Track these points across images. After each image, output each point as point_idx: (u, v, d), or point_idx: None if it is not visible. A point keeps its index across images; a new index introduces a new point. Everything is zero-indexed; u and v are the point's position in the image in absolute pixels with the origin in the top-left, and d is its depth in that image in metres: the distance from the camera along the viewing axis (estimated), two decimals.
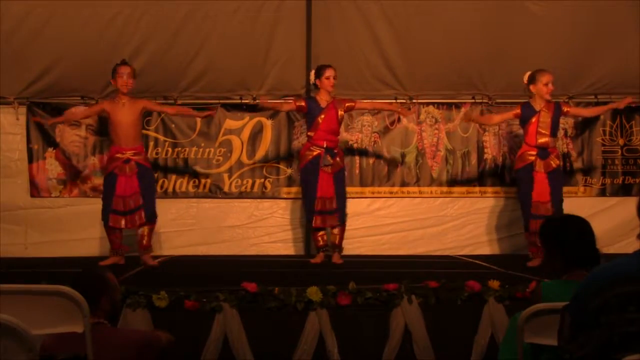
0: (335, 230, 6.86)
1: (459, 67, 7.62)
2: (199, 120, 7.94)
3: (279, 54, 7.48)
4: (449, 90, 8.00)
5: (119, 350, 3.02)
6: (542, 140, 6.59)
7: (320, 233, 6.86)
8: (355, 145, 8.11)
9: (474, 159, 8.14)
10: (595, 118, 8.03)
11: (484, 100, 8.07)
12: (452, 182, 8.14)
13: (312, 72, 6.80)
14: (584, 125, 8.13)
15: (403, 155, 8.14)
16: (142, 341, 3.17)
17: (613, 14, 7.04)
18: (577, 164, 8.13)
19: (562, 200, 6.71)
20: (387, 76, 7.80)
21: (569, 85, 7.87)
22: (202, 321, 4.95)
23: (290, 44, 7.41)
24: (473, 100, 8.09)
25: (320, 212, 6.73)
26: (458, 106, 8.14)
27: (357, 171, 8.10)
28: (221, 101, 8.05)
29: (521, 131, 7.24)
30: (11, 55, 7.18)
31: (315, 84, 6.80)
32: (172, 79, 7.72)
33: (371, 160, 8.10)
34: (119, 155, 6.53)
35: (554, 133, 6.71)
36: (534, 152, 6.61)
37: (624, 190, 8.14)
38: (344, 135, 8.09)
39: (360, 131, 8.11)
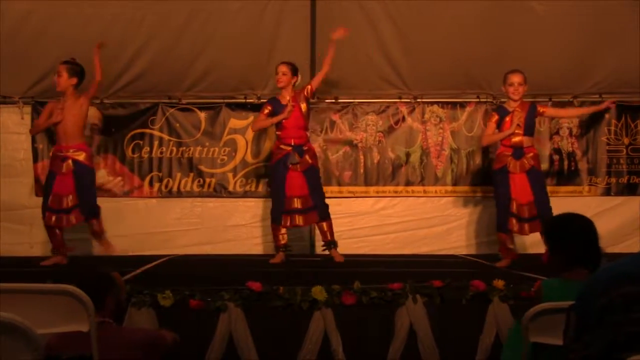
0: (325, 227, 6.74)
1: (463, 67, 7.62)
2: (203, 119, 7.96)
3: (282, 53, 7.46)
4: (453, 89, 8.01)
5: (124, 350, 3.02)
6: (515, 139, 6.47)
7: (282, 232, 6.71)
8: (359, 145, 8.12)
9: (478, 158, 8.14)
10: (600, 117, 8.03)
11: (489, 100, 8.07)
12: (457, 181, 8.13)
13: None
14: (589, 125, 8.13)
15: (408, 155, 8.14)
16: (148, 340, 3.18)
17: (616, 13, 7.02)
18: (582, 163, 8.13)
19: (548, 201, 6.51)
20: (391, 75, 7.81)
21: (573, 85, 7.87)
22: (207, 320, 4.94)
23: (294, 43, 7.41)
24: (477, 100, 8.09)
25: (289, 211, 6.63)
26: (462, 105, 8.15)
27: (362, 170, 8.11)
28: (225, 100, 8.08)
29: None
30: (15, 55, 7.20)
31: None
32: (176, 78, 7.74)
33: (376, 160, 8.10)
34: (57, 153, 6.50)
35: (528, 132, 6.54)
36: (508, 153, 6.51)
37: (629, 190, 8.13)
38: (347, 134, 8.11)
39: (364, 130, 8.12)
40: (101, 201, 7.07)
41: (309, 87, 6.72)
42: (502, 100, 7.90)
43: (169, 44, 7.32)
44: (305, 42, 7.41)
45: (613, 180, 8.15)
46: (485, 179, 8.08)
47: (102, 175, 7.98)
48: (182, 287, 5.04)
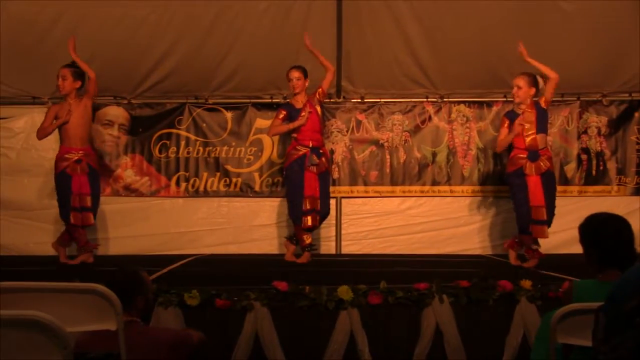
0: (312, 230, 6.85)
1: (490, 66, 7.58)
2: (229, 119, 8.00)
3: (309, 54, 7.47)
4: (480, 88, 7.97)
5: (151, 349, 3.04)
6: (529, 139, 6.44)
7: (307, 233, 6.76)
8: (386, 144, 8.10)
9: (505, 158, 8.08)
10: (630, 116, 7.94)
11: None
12: (484, 181, 8.09)
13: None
14: (618, 124, 8.05)
15: (434, 154, 8.11)
16: (174, 340, 3.19)
17: None
18: (611, 163, 8.05)
19: (554, 206, 6.51)
20: (417, 75, 7.78)
21: (602, 83, 7.81)
22: (233, 320, 4.96)
23: (320, 43, 7.39)
24: (504, 99, 8.03)
25: (311, 211, 6.65)
26: (489, 105, 8.10)
27: (388, 170, 8.10)
28: (252, 100, 8.10)
29: (553, 130, 7.18)
30: (45, 56, 7.26)
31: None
32: (203, 78, 7.77)
33: (402, 159, 8.08)
34: (69, 155, 6.55)
35: (540, 129, 6.49)
36: (524, 155, 6.46)
37: None
38: (373, 134, 8.10)
39: (390, 130, 8.10)
40: (128, 201, 7.17)
41: (321, 90, 6.78)
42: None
43: (196, 45, 7.35)
44: (332, 41, 7.40)
45: None
46: None
47: (129, 175, 8.04)
48: (209, 286, 5.06)
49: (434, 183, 8.12)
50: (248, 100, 8.11)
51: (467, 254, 7.79)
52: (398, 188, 8.10)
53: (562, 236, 7.61)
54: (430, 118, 8.13)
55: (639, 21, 6.99)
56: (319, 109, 6.77)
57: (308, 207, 6.63)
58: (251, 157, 8.12)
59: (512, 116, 6.54)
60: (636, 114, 8.03)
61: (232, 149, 8.13)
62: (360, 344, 4.98)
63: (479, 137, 8.12)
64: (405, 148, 8.13)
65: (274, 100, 8.10)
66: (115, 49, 7.19)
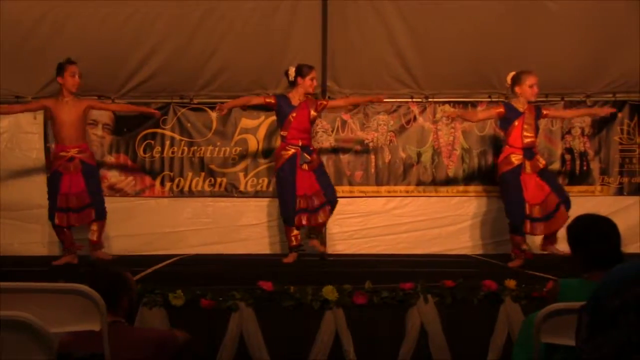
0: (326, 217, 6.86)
1: (475, 66, 7.60)
2: (214, 119, 7.99)
3: (295, 53, 7.47)
4: (465, 89, 7.99)
5: (136, 349, 3.03)
6: (527, 141, 6.48)
7: (295, 233, 6.74)
8: (371, 144, 8.11)
9: (490, 158, 8.12)
10: (612, 118, 7.99)
11: (500, 99, 8.04)
12: (469, 181, 8.12)
13: (292, 69, 6.65)
14: (601, 124, 8.10)
15: (419, 154, 8.13)
16: (159, 340, 3.18)
17: (630, 13, 6.98)
18: (595, 163, 8.10)
19: (566, 192, 6.61)
20: (403, 75, 7.79)
21: (586, 84, 7.85)
22: (218, 320, 4.96)
23: (306, 43, 7.41)
24: (489, 99, 8.06)
25: (304, 210, 6.65)
26: (474, 105, 8.13)
27: (373, 170, 8.11)
28: None
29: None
30: (29, 55, 7.24)
31: (292, 82, 6.68)
32: (189, 78, 7.75)
33: (387, 159, 8.09)
34: (62, 153, 6.53)
35: (537, 133, 6.61)
36: (520, 154, 6.47)
37: None
38: (358, 134, 8.11)
39: (376, 130, 8.11)
40: (113, 201, 7.13)
41: (326, 103, 6.85)
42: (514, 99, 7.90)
43: (181, 44, 7.33)
44: (317, 41, 7.40)
45: (625, 180, 8.11)
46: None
47: (113, 175, 8.01)
48: (194, 286, 5.06)
49: (419, 183, 8.14)
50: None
51: (452, 254, 7.82)
52: (383, 188, 8.11)
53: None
54: (415, 118, 8.14)
55: (624, 22, 7.04)
56: (314, 113, 6.74)
57: (301, 206, 6.62)
58: (236, 157, 8.11)
59: (511, 111, 6.52)
60: (620, 115, 8.07)
61: (217, 148, 8.11)
62: (345, 344, 4.99)
63: (464, 138, 8.14)
64: (390, 148, 8.14)
65: None
66: (100, 48, 7.16)
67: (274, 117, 7.98)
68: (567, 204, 6.42)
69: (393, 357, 5.01)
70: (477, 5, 7.01)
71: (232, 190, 8.11)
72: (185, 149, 8.10)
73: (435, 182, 8.14)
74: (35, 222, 7.83)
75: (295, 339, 5.04)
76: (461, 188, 8.14)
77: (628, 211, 7.89)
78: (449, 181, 8.13)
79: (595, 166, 8.10)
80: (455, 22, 7.19)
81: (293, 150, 6.65)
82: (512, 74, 6.55)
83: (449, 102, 8.14)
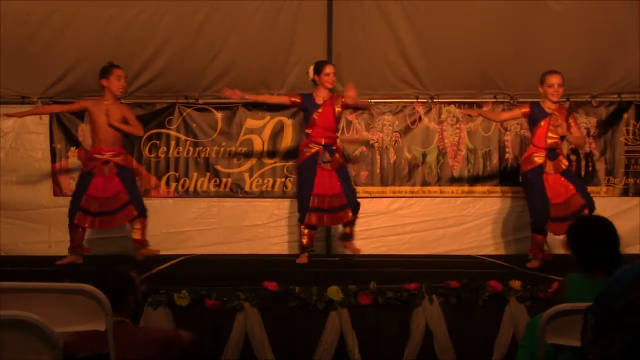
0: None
1: (480, 66, 7.59)
2: (219, 119, 8.01)
3: (299, 53, 7.47)
4: (470, 89, 7.98)
5: (141, 349, 3.03)
6: (551, 141, 6.46)
7: (307, 232, 6.74)
8: (376, 145, 8.11)
9: (495, 159, 8.11)
10: (619, 117, 7.98)
11: (505, 100, 8.04)
12: (474, 181, 8.11)
13: (311, 68, 6.67)
14: (607, 125, 8.08)
15: (424, 155, 8.13)
16: (164, 340, 3.19)
17: (635, 13, 6.97)
18: (600, 164, 8.08)
19: (588, 193, 6.57)
20: (408, 75, 7.79)
21: (592, 84, 7.83)
22: (223, 320, 4.96)
23: (311, 43, 7.41)
24: (494, 100, 8.06)
25: (317, 209, 6.63)
26: (480, 105, 8.11)
27: (378, 170, 8.10)
28: (242, 100, 8.08)
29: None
30: (35, 56, 7.25)
31: (314, 80, 6.68)
32: (193, 78, 7.76)
33: (392, 160, 8.09)
34: (97, 156, 6.51)
35: (562, 136, 6.54)
36: (542, 154, 6.46)
37: None
38: (364, 134, 8.10)
39: (381, 130, 8.11)
40: None
41: (349, 100, 6.65)
42: (520, 100, 7.90)
43: (186, 45, 7.34)
44: (322, 42, 7.40)
45: (631, 180, 8.09)
46: (502, 179, 8.07)
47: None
48: (199, 286, 5.06)
49: (424, 183, 8.13)
50: (238, 101, 8.10)
51: (457, 255, 7.81)
52: (388, 188, 8.10)
53: (551, 237, 7.65)
54: (420, 119, 8.14)
55: (629, 22, 7.03)
56: (338, 109, 6.69)
57: (315, 205, 6.61)
58: (241, 157, 8.11)
59: (537, 112, 6.49)
60: (625, 115, 8.06)
61: (222, 149, 8.12)
62: (350, 344, 4.99)
63: (469, 138, 8.13)
64: (395, 148, 8.14)
65: None
66: (105, 49, 7.16)
67: (279, 118, 8.03)
68: (592, 208, 6.40)
69: (398, 357, 5.02)
70: (482, 5, 7.01)
71: (237, 191, 8.12)
72: (191, 149, 8.10)
73: (440, 183, 8.13)
74: (40, 222, 7.86)
75: (300, 339, 5.04)
76: (466, 188, 8.13)
77: (633, 212, 7.88)
78: (454, 182, 8.13)
79: (600, 167, 8.08)
80: (460, 22, 7.18)
81: (316, 149, 6.65)
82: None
83: (454, 103, 8.13)
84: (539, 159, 6.48)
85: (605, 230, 3.30)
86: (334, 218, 6.75)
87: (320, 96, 6.67)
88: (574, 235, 3.37)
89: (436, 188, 8.14)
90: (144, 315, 4.84)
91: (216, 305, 4.98)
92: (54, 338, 2.29)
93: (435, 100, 8.10)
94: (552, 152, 6.47)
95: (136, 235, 6.62)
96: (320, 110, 6.64)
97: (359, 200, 6.91)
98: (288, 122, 8.09)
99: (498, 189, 8.10)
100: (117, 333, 2.94)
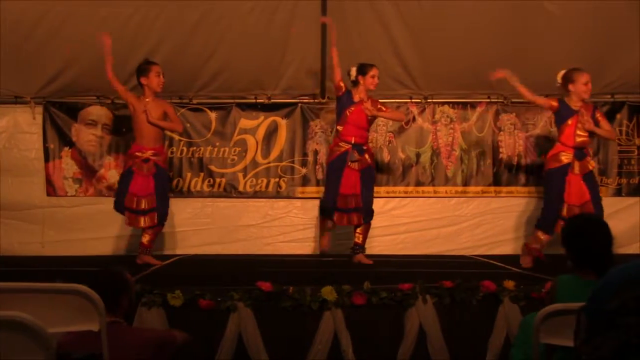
0: (359, 230, 6.80)
1: (474, 67, 7.59)
2: (213, 119, 8.00)
3: (294, 54, 7.48)
4: (464, 89, 7.99)
5: (134, 349, 3.03)
6: (580, 140, 6.40)
7: (325, 235, 6.87)
8: (370, 145, 8.10)
9: (489, 159, 8.13)
10: (612, 117, 7.99)
11: (500, 100, 8.06)
12: (467, 181, 8.12)
13: (354, 69, 6.68)
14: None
15: (418, 155, 8.13)
16: (158, 340, 3.19)
17: (628, 14, 6.98)
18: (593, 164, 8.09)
19: (601, 201, 6.49)
20: (402, 75, 7.80)
21: None
22: (217, 320, 4.96)
23: (305, 44, 7.41)
24: (488, 100, 8.08)
25: (341, 209, 6.66)
26: (473, 106, 8.13)
27: None
28: (236, 100, 8.09)
29: (537, 131, 7.22)
30: (28, 55, 7.23)
31: (355, 81, 6.69)
32: (188, 78, 7.75)
33: (386, 160, 8.09)
34: (138, 153, 6.52)
35: (591, 134, 6.49)
36: (570, 153, 6.39)
37: None
38: None
39: (375, 131, 8.11)
40: (112, 201, 7.09)
41: (386, 110, 6.82)
42: (514, 100, 7.93)
43: (180, 45, 7.33)
44: (316, 42, 7.40)
45: (624, 181, 8.12)
46: (496, 179, 8.08)
47: (112, 175, 8.00)
48: (192, 287, 5.06)
49: (418, 184, 8.15)
50: (232, 101, 8.10)
51: (451, 255, 7.82)
52: (382, 189, 8.10)
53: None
54: (414, 119, 8.15)
55: (623, 23, 7.04)
56: (372, 111, 6.66)
57: (339, 205, 6.63)
58: (235, 158, 8.11)
59: (565, 108, 6.43)
60: (618, 116, 8.09)
61: (216, 149, 8.12)
62: (344, 345, 4.99)
63: (463, 138, 8.15)
64: (389, 149, 8.15)
65: (258, 101, 8.09)
66: (99, 49, 7.14)
67: (273, 118, 8.03)
68: None
69: (392, 357, 5.01)
70: (476, 6, 7.01)
71: (231, 191, 8.12)
72: (185, 149, 8.10)
73: (434, 183, 8.15)
74: (34, 222, 7.85)
75: (294, 339, 5.04)
76: (460, 189, 8.15)
77: (627, 212, 7.91)
78: (448, 182, 8.14)
79: (593, 167, 8.08)
80: (454, 22, 7.18)
81: (345, 148, 6.65)
82: (562, 72, 6.46)
83: (447, 103, 8.15)
84: (566, 158, 6.41)
85: (598, 229, 3.31)
86: (349, 218, 6.75)
87: (358, 96, 6.69)
88: (568, 232, 3.39)
89: (430, 188, 8.15)
90: (137, 315, 4.83)
91: (210, 305, 4.97)
92: (47, 338, 2.28)
93: (429, 100, 8.12)
94: (580, 152, 6.41)
95: (145, 240, 6.60)
96: (353, 108, 6.65)
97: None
98: (282, 123, 8.10)
99: (492, 189, 8.11)
100: (111, 333, 2.94)
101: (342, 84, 6.70)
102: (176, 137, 8.06)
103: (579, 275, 3.25)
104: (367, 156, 6.74)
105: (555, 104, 6.47)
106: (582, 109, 6.41)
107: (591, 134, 6.51)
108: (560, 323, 2.80)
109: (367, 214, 6.76)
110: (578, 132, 6.41)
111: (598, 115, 6.54)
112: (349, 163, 6.61)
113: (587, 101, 6.50)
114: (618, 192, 8.08)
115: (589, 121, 6.34)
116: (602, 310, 1.58)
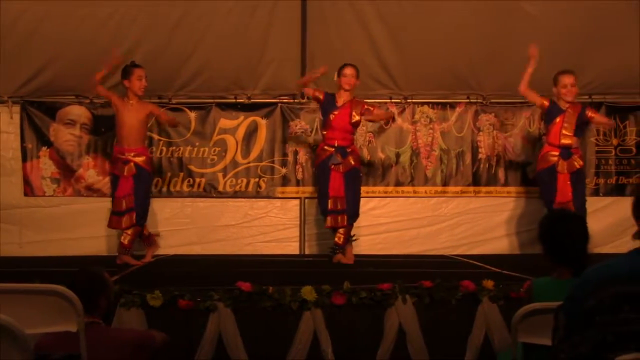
0: (341, 230, 6.79)
1: (453, 67, 7.63)
2: (193, 119, 7.98)
3: (273, 54, 7.47)
4: (443, 90, 8.02)
5: (113, 350, 3.02)
6: (565, 140, 6.52)
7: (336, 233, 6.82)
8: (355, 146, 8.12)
9: (468, 159, 8.16)
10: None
11: (479, 100, 8.10)
12: (447, 181, 8.15)
13: (336, 73, 6.75)
14: (578, 125, 8.13)
15: (398, 155, 8.15)
16: (136, 341, 3.17)
17: (608, 14, 7.03)
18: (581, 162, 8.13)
19: (585, 202, 6.63)
20: (381, 76, 7.81)
21: None
22: (197, 320, 4.94)
23: (285, 43, 7.41)
24: (468, 100, 8.11)
25: (332, 212, 6.70)
26: (453, 106, 8.16)
27: None
28: (216, 100, 8.06)
29: (515, 131, 7.26)
30: (6, 54, 7.16)
31: (337, 83, 6.75)
32: (167, 78, 7.72)
33: (366, 160, 8.10)
34: (119, 155, 6.53)
35: (578, 133, 6.62)
36: (556, 153, 6.54)
37: (618, 190, 8.16)
38: None
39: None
40: (90, 201, 7.09)
41: (371, 108, 6.85)
42: (492, 101, 7.97)
43: (160, 45, 7.29)
44: (296, 42, 7.40)
45: (602, 181, 8.18)
46: (475, 179, 8.11)
47: (91, 175, 7.96)
48: (172, 287, 5.03)
49: (398, 184, 8.16)
50: (212, 100, 8.08)
51: (431, 255, 7.84)
52: (362, 188, 8.08)
53: (524, 236, 7.73)
54: (394, 119, 8.16)
55: (601, 24, 7.09)
56: (356, 115, 6.71)
57: (330, 207, 6.67)
58: (215, 158, 8.08)
59: (554, 107, 6.57)
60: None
61: (195, 149, 8.09)
62: (323, 344, 4.99)
63: (442, 138, 8.17)
64: (369, 149, 8.15)
65: (238, 101, 8.07)
66: (78, 48, 7.11)
67: (252, 118, 8.02)
68: None
69: (371, 357, 5.02)
70: (455, 6, 7.03)
71: (210, 191, 8.09)
72: (164, 149, 8.06)
73: (413, 183, 8.17)
74: (12, 222, 7.78)
75: (274, 339, 5.03)
76: (439, 189, 8.17)
77: (604, 212, 7.96)
78: (428, 182, 8.16)
79: None
80: (434, 23, 7.21)
81: (330, 151, 6.69)
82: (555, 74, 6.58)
83: (427, 103, 8.17)
84: (553, 157, 6.56)
85: (574, 224, 3.32)
86: (334, 220, 6.76)
87: (342, 99, 6.72)
88: (544, 227, 3.39)
89: (410, 188, 8.17)
90: (117, 316, 4.81)
91: (189, 305, 4.96)
92: (24, 340, 2.27)
93: (408, 100, 8.13)
94: (566, 151, 6.53)
95: (125, 240, 6.59)
96: (337, 112, 6.68)
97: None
98: (262, 122, 8.08)
99: (471, 189, 8.14)
100: (89, 334, 2.92)
101: (317, 94, 6.76)
102: (155, 136, 8.03)
103: (555, 277, 3.26)
104: (351, 159, 6.75)
105: (546, 103, 6.61)
106: (569, 109, 6.52)
107: (578, 134, 6.62)
108: (538, 322, 2.81)
109: (351, 216, 6.78)
110: (563, 131, 6.51)
111: (589, 112, 6.65)
112: (331, 166, 6.61)
113: (575, 102, 6.58)
114: (596, 192, 8.13)
115: (575, 122, 6.46)
116: (579, 308, 1.60)
